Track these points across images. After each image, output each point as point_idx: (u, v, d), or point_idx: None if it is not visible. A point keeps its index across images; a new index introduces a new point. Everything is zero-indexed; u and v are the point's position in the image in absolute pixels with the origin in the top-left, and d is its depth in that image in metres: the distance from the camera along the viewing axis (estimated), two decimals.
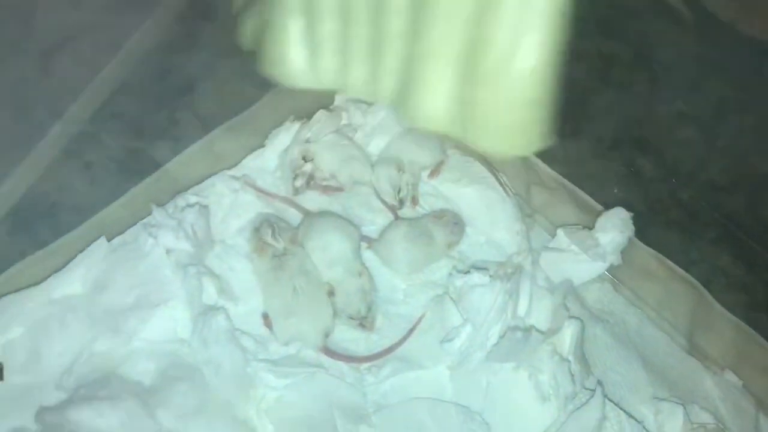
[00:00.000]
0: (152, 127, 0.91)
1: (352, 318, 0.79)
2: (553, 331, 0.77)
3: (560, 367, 0.75)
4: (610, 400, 0.75)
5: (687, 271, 0.87)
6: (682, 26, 1.13)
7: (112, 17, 0.93)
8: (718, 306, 0.86)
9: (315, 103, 0.92)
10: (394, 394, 0.76)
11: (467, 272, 0.79)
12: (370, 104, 0.93)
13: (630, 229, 0.84)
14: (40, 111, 0.88)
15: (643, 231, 0.88)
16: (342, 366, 0.78)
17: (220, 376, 0.73)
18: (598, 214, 0.88)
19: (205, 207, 0.83)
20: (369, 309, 0.79)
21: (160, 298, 0.76)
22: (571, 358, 0.76)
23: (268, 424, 0.73)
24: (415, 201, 0.89)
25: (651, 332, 0.86)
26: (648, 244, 0.88)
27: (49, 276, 0.78)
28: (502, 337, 0.74)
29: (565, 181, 0.92)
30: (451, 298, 0.80)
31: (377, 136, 0.92)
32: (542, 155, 0.93)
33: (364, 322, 0.79)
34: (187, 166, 0.88)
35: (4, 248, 0.81)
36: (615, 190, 0.94)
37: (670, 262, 0.88)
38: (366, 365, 0.78)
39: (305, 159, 0.86)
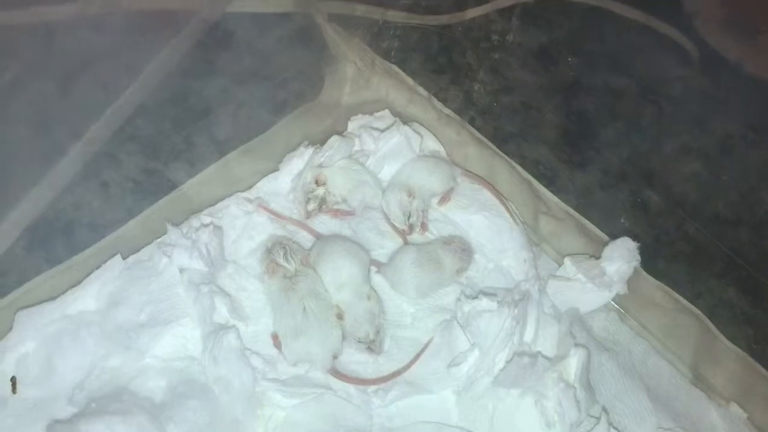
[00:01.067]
0: (169, 149, 0.93)
1: (360, 341, 0.80)
2: (560, 358, 0.78)
3: (566, 393, 0.76)
4: (615, 429, 0.76)
5: (692, 303, 0.88)
6: (689, 64, 1.15)
7: (133, 42, 0.95)
8: (722, 338, 0.86)
9: (329, 129, 0.95)
10: (400, 417, 0.77)
11: (475, 297, 0.80)
12: (382, 131, 0.95)
13: (636, 259, 0.85)
14: (60, 131, 0.90)
15: (649, 262, 0.89)
16: (349, 388, 0.78)
17: (230, 394, 0.73)
18: (605, 244, 0.89)
19: (219, 228, 0.84)
20: (377, 332, 0.80)
21: (172, 315, 0.78)
22: (576, 385, 0.77)
23: None
24: (424, 227, 0.90)
25: (656, 362, 0.86)
26: (654, 275, 0.89)
27: (64, 291, 0.80)
28: (509, 362, 0.74)
29: (573, 211, 0.94)
30: (459, 323, 0.80)
31: (389, 161, 0.93)
32: (550, 185, 0.95)
33: (372, 345, 0.80)
34: (202, 188, 0.90)
35: (21, 263, 0.83)
36: (622, 220, 0.95)
37: (675, 294, 0.89)
38: (373, 388, 0.79)
39: (318, 183, 0.88)
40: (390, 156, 0.93)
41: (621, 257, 0.85)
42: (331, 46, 1.03)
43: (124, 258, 0.82)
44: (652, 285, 0.89)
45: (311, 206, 0.87)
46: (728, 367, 0.86)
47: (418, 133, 0.95)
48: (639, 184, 1.00)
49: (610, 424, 0.74)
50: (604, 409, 0.75)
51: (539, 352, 0.76)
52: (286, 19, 1.05)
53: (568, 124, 1.06)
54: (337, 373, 0.78)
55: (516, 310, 0.77)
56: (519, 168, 0.96)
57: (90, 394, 0.72)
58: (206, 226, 0.82)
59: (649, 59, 1.15)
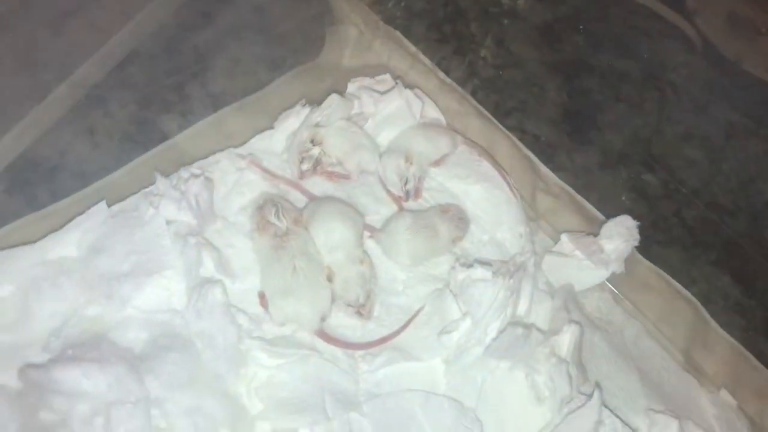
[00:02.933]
0: (161, 99, 0.90)
1: (350, 305, 0.77)
2: (553, 332, 0.76)
3: (558, 368, 0.74)
4: (606, 407, 0.74)
5: (687, 289, 0.87)
6: (693, 52, 1.14)
7: None
8: (715, 325, 0.85)
9: (327, 89, 0.92)
10: (387, 383, 0.75)
11: (470, 266, 0.78)
12: (383, 93, 0.92)
13: (635, 238, 0.84)
14: (47, 72, 0.87)
15: (645, 246, 0.87)
16: (336, 351, 0.76)
17: (213, 349, 0.71)
18: (601, 224, 0.87)
19: (210, 180, 0.81)
20: (367, 297, 0.78)
21: (156, 266, 0.75)
22: (568, 360, 0.75)
23: (258, 402, 0.71)
24: (418, 194, 0.87)
25: (648, 345, 0.85)
26: (650, 260, 0.88)
27: (44, 237, 0.76)
28: (502, 332, 0.72)
29: (571, 190, 0.92)
30: (452, 292, 0.78)
31: (388, 126, 0.91)
32: (549, 162, 0.93)
33: (361, 309, 0.78)
34: (194, 141, 0.87)
35: (0, 206, 0.80)
36: (623, 198, 0.93)
37: (670, 278, 0.87)
38: (361, 353, 0.77)
39: (313, 142, 0.85)
40: (389, 120, 0.91)
41: (620, 235, 0.84)
42: (334, 7, 1.00)
43: (109, 206, 0.79)
44: (647, 268, 0.88)
45: (305, 166, 0.85)
46: (720, 354, 0.85)
47: (420, 99, 0.93)
48: (638, 168, 0.99)
49: (602, 402, 0.72)
50: (598, 385, 0.73)
51: (533, 324, 0.75)
52: None
53: (570, 103, 1.04)
54: (324, 335, 0.76)
55: (511, 281, 0.75)
56: (519, 143, 0.94)
57: (66, 342, 0.69)
58: (196, 176, 0.79)
59: (654, 44, 1.14)
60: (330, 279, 0.78)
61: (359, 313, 0.78)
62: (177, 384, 0.68)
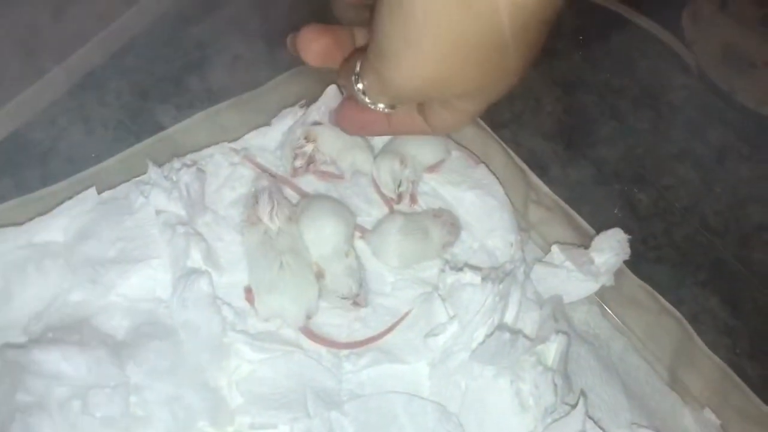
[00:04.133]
0: (158, 90, 0.90)
1: (344, 297, 0.77)
2: (539, 341, 0.76)
3: (543, 377, 0.73)
4: (590, 418, 0.74)
5: (674, 307, 0.87)
6: (690, 75, 1.15)
7: None
8: (702, 345, 0.85)
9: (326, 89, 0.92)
10: (370, 384, 0.74)
11: (460, 270, 0.77)
12: None
13: (626, 252, 0.84)
14: (45, 57, 0.86)
15: (635, 264, 0.87)
16: (321, 350, 0.75)
17: (196, 340, 0.70)
18: (592, 238, 0.87)
19: (203, 171, 0.81)
20: (360, 285, 0.78)
21: (143, 255, 0.74)
22: (554, 369, 0.74)
23: (238, 396, 0.70)
24: (413, 199, 0.87)
25: (634, 360, 0.85)
26: (638, 276, 0.88)
27: (31, 220, 0.75)
28: (488, 336, 0.72)
29: (563, 203, 0.92)
30: (440, 296, 0.78)
31: None
32: (543, 176, 0.94)
33: (357, 299, 0.77)
34: (189, 133, 0.86)
35: None
36: (616, 210, 0.94)
37: (658, 295, 0.87)
38: (345, 352, 0.76)
39: (307, 139, 0.85)
40: None
41: (611, 249, 0.84)
42: (334, 7, 1.00)
43: (99, 193, 0.78)
44: (635, 284, 0.88)
45: (299, 162, 0.84)
46: (705, 373, 0.85)
47: None
48: (630, 185, 0.99)
49: (586, 411, 0.72)
50: (583, 393, 0.72)
51: (521, 331, 0.74)
52: None
53: (566, 118, 1.04)
54: (309, 333, 0.75)
55: (500, 286, 0.75)
56: (513, 154, 0.94)
57: (47, 326, 0.68)
58: (189, 166, 0.79)
59: (652, 66, 1.14)
60: (320, 275, 0.77)
61: (356, 304, 0.78)
62: (157, 372, 0.66)
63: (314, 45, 0.63)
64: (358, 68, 0.55)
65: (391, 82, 0.52)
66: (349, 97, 0.59)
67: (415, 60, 0.51)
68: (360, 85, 0.54)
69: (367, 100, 0.54)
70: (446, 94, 0.58)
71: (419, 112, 0.63)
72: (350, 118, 0.73)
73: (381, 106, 0.54)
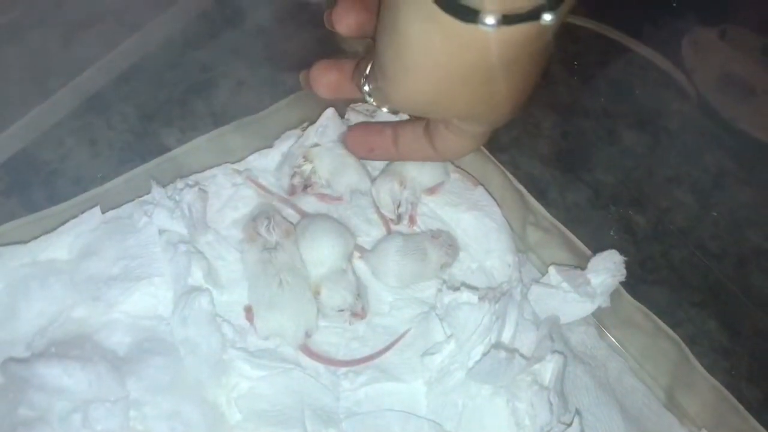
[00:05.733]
0: (162, 113, 0.91)
1: (342, 310, 0.78)
2: (536, 360, 0.76)
3: (539, 396, 0.74)
4: None
5: (672, 329, 0.88)
6: (688, 101, 1.16)
7: (141, 2, 0.94)
8: (699, 367, 0.85)
9: None
10: (368, 402, 0.75)
11: (457, 289, 0.78)
12: (374, 112, 0.94)
13: (622, 273, 0.84)
14: (53, 82, 0.88)
15: (632, 286, 0.88)
16: (319, 367, 0.76)
17: (196, 356, 0.71)
18: (589, 260, 0.88)
19: (205, 192, 0.82)
20: (357, 296, 0.79)
21: (145, 272, 0.75)
22: (550, 388, 0.75)
23: (237, 412, 0.71)
24: (413, 220, 0.89)
25: (631, 381, 0.85)
26: (636, 298, 0.89)
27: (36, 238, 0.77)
28: (485, 354, 0.73)
29: (560, 225, 0.93)
30: (438, 316, 0.79)
31: None
32: (541, 199, 0.95)
33: (356, 310, 0.78)
34: (193, 155, 0.88)
35: None
36: (611, 233, 0.95)
37: (655, 317, 0.88)
38: (343, 370, 0.77)
39: (306, 159, 0.86)
40: None
41: (607, 270, 0.84)
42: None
43: (103, 213, 0.80)
44: (633, 306, 0.88)
45: (296, 180, 0.86)
46: (703, 395, 0.85)
47: None
48: (628, 208, 1.01)
49: (582, 431, 0.72)
50: (578, 412, 0.73)
51: (517, 350, 0.75)
52: (299, 7, 1.05)
53: (564, 143, 1.06)
54: (308, 350, 0.76)
55: (497, 306, 0.76)
56: (511, 177, 0.96)
57: (51, 341, 0.70)
58: (191, 186, 0.80)
59: (650, 92, 1.16)
60: (317, 293, 0.78)
61: (356, 315, 0.79)
62: (158, 388, 0.67)
63: (324, 79, 0.68)
64: (367, 71, 0.60)
65: (390, 97, 0.56)
66: (359, 123, 0.67)
67: (412, 83, 0.55)
68: (367, 88, 0.59)
69: (373, 102, 0.59)
70: (445, 115, 0.61)
71: (425, 134, 0.66)
72: (360, 142, 0.77)
73: (385, 110, 0.61)
